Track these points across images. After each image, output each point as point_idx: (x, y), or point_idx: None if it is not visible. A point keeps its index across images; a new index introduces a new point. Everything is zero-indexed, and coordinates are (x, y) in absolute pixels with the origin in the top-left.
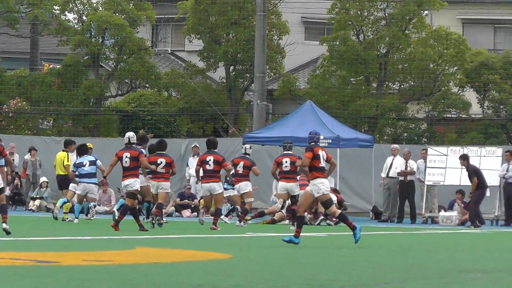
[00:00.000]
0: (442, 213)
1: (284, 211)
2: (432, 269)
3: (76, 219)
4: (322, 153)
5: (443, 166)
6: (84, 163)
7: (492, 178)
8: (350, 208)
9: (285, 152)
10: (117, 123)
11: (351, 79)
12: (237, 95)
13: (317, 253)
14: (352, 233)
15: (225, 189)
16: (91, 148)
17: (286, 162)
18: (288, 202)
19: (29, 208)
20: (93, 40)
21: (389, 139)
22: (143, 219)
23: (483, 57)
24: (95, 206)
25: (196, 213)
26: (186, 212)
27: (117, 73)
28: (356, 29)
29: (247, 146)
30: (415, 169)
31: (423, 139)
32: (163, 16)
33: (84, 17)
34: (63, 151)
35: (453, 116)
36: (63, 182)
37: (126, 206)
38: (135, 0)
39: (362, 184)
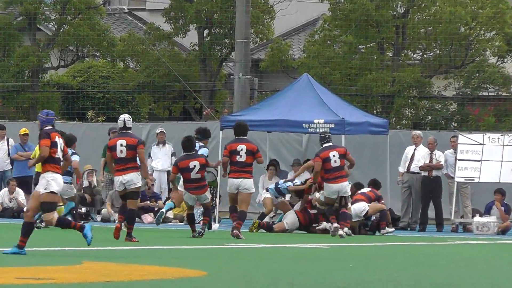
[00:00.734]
0: (477, 218)
1: (287, 220)
2: None
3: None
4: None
5: (478, 159)
6: None
7: None
8: None
9: (325, 145)
10: (59, 103)
11: (360, 46)
12: (213, 67)
13: (314, 269)
14: None
15: None
16: (26, 134)
17: (334, 156)
18: (336, 205)
19: None
20: None
21: (408, 123)
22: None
23: None
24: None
25: None
26: (148, 217)
27: (60, 38)
28: None
29: None
30: (442, 162)
31: (453, 123)
32: None
33: None
34: None
35: (490, 94)
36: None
37: (131, 211)
38: None
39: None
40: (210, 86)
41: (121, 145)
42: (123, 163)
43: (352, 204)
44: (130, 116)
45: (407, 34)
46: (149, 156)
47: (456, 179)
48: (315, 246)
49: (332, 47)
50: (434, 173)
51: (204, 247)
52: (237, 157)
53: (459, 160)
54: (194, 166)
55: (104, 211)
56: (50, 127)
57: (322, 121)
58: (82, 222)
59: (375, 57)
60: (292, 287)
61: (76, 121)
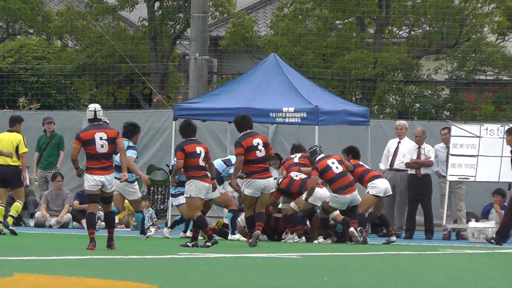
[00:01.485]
0: (473, 223)
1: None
2: None
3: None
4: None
5: (474, 154)
6: None
7: None
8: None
9: (318, 157)
10: None
11: (336, 21)
12: (165, 46)
13: (282, 283)
14: None
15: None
16: None
17: (333, 163)
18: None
19: None
20: None
21: (393, 112)
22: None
23: None
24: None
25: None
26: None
27: None
28: None
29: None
30: (432, 158)
31: (444, 112)
32: None
33: None
34: (9, 131)
35: (489, 78)
36: (15, 177)
37: (110, 214)
38: None
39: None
40: (162, 68)
41: (101, 138)
42: (105, 159)
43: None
44: (100, 107)
45: (391, 7)
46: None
47: (449, 178)
48: (283, 256)
49: (304, 23)
50: (423, 170)
51: (155, 257)
52: (257, 153)
53: (452, 155)
54: (200, 151)
55: (38, 214)
56: None
57: (292, 109)
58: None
59: (354, 35)
60: None
61: (6, 109)
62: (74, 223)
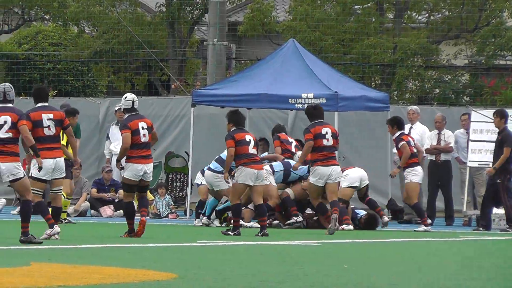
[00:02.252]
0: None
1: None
2: None
3: None
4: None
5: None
6: None
7: None
8: (354, 203)
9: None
10: (2, 74)
11: (355, 6)
12: (183, 32)
13: (302, 271)
14: None
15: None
16: None
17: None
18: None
19: None
20: None
21: (412, 98)
22: None
23: None
24: None
25: (121, 210)
26: (107, 210)
27: None
28: None
29: None
30: (452, 144)
31: (464, 97)
32: None
33: None
34: None
35: (508, 63)
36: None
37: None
38: None
39: (372, 166)
40: (180, 54)
41: (143, 128)
42: (146, 149)
43: None
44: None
45: None
46: (107, 137)
47: (469, 164)
48: (303, 243)
49: (322, 8)
50: (443, 157)
51: (174, 245)
52: (324, 141)
53: (472, 141)
54: (250, 140)
55: None
56: None
57: (311, 95)
58: None
59: (374, 20)
60: None
61: (22, 96)
62: (92, 211)
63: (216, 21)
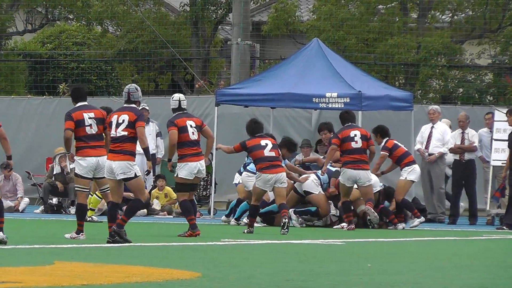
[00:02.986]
0: None
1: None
2: None
3: None
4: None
5: None
6: None
7: None
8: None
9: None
10: (26, 74)
11: (379, 6)
12: (207, 31)
13: (326, 269)
14: None
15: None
16: None
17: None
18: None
19: None
20: None
21: (436, 97)
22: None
23: None
24: None
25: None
26: None
27: None
28: None
29: None
30: (476, 143)
31: (488, 97)
32: None
33: None
34: None
35: None
36: None
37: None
38: None
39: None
40: (204, 53)
41: (191, 126)
42: (196, 147)
43: None
44: (184, 96)
45: None
46: None
47: (492, 163)
48: (326, 242)
49: (346, 7)
50: (467, 156)
51: (198, 244)
52: (352, 144)
53: (496, 140)
54: (266, 144)
55: None
56: None
57: (335, 94)
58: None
59: (397, 19)
60: None
61: (46, 96)
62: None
63: (240, 20)
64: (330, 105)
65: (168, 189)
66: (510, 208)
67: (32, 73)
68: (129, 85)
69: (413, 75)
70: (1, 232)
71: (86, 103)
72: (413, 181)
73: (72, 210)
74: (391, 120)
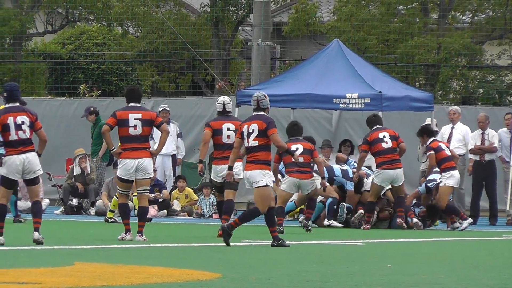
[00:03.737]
0: None
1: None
2: None
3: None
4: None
5: None
6: None
7: None
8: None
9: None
10: (46, 75)
11: (400, 7)
12: (227, 32)
13: (346, 270)
14: None
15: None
16: None
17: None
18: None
19: None
20: None
21: (456, 98)
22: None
23: None
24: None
25: (164, 210)
26: (151, 210)
27: None
28: None
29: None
30: (496, 144)
31: (508, 97)
32: None
33: None
34: None
35: None
36: None
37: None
38: None
39: (417, 166)
40: (224, 54)
41: (229, 129)
42: (229, 150)
43: None
44: (230, 99)
45: None
46: (151, 137)
47: None
48: (346, 243)
49: (367, 8)
50: (487, 156)
51: (217, 244)
52: (383, 144)
53: None
54: (297, 148)
55: (99, 202)
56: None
57: (355, 95)
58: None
59: (418, 20)
60: None
61: (66, 97)
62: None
63: (261, 21)
64: (350, 106)
65: (189, 190)
66: None
67: (53, 74)
68: (257, 92)
69: (433, 76)
70: (36, 232)
71: (138, 104)
72: (452, 187)
73: (92, 211)
74: (412, 121)
